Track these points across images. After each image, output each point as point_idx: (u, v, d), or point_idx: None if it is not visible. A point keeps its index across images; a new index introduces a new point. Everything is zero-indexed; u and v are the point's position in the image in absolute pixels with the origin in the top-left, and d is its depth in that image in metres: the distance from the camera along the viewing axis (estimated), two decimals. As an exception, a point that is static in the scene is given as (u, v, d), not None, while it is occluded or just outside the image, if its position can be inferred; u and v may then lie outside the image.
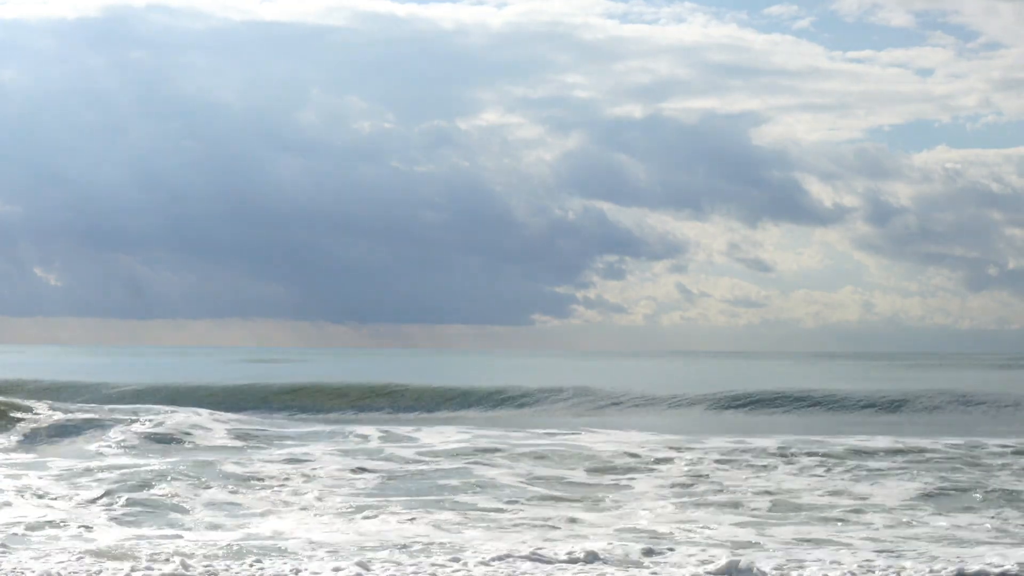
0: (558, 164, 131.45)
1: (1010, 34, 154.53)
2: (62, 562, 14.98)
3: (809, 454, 26.07)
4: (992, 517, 18.96)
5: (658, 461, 25.39)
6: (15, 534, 17.06)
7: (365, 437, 30.34)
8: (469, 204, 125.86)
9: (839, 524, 18.41)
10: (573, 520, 18.69)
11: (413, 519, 18.61)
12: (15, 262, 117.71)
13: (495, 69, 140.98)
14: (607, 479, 23.27)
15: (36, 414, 33.51)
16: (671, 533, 17.44)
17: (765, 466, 24.66)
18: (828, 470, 24.16)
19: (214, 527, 18.02)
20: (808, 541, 16.86)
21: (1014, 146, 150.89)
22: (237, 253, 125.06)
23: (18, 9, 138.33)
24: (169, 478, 22.25)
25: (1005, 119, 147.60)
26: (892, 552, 15.93)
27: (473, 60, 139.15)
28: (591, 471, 24.27)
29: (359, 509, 19.58)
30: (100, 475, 23.06)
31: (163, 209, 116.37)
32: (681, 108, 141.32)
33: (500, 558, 15.14)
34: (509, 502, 20.36)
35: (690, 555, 15.49)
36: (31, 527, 17.59)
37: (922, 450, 26.81)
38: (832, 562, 15.08)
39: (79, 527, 17.74)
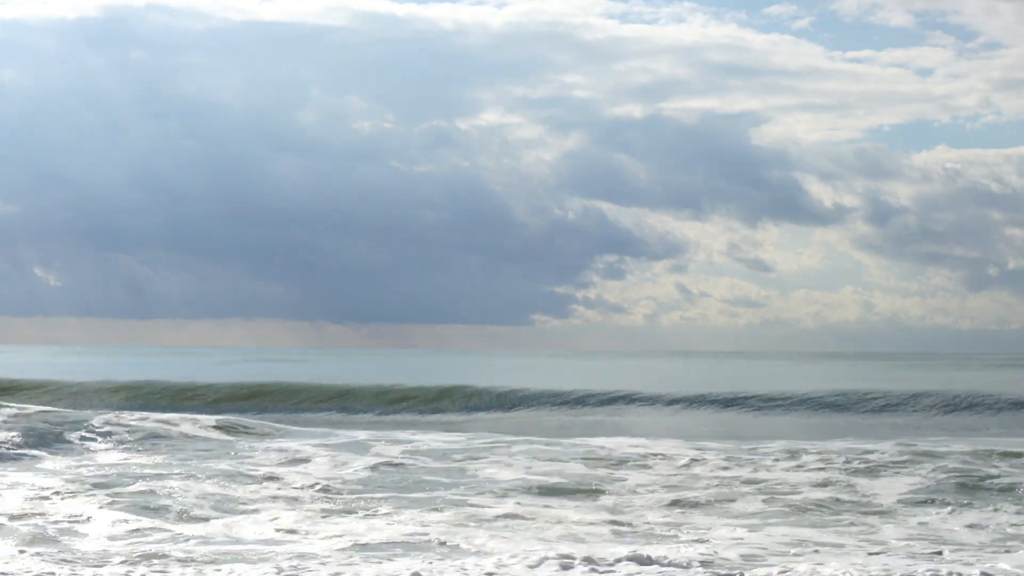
0: (558, 164, 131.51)
1: (1010, 34, 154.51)
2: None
3: (813, 453, 25.76)
4: (993, 519, 18.61)
5: (656, 460, 25.07)
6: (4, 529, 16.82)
7: (356, 437, 30.07)
8: (469, 204, 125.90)
9: (849, 527, 18.08)
10: (574, 521, 18.37)
11: (400, 521, 18.28)
12: (15, 262, 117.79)
13: (495, 69, 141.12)
14: (604, 474, 22.93)
15: (23, 412, 33.21)
16: (673, 535, 17.11)
17: (765, 466, 24.33)
18: (832, 469, 23.80)
19: (206, 525, 17.69)
20: (822, 543, 16.52)
21: (1014, 146, 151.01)
22: (237, 253, 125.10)
23: (18, 9, 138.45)
24: (154, 475, 22.02)
25: (1005, 119, 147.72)
26: (899, 553, 15.67)
27: (473, 60, 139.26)
28: (588, 469, 23.92)
29: (358, 509, 19.25)
30: (85, 472, 22.84)
31: (163, 209, 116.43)
32: (681, 108, 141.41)
33: (541, 562, 14.74)
34: (507, 501, 20.02)
35: (693, 556, 15.19)
36: (17, 518, 17.33)
37: (925, 452, 26.47)
38: (853, 564, 14.78)
39: (65, 523, 17.45)
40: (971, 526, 18.01)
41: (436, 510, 19.00)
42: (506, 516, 18.57)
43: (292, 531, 17.18)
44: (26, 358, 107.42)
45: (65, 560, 14.76)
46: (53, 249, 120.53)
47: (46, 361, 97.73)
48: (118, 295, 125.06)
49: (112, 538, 16.49)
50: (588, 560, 14.77)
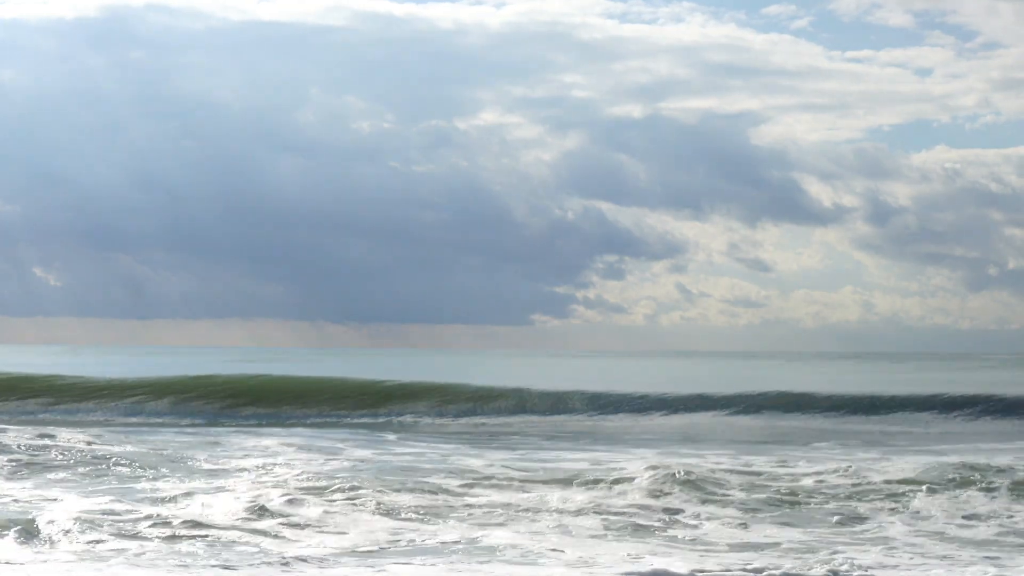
0: (557, 164, 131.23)
1: (1010, 34, 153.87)
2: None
3: (811, 461, 25.39)
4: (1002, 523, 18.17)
5: (654, 467, 24.66)
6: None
7: (335, 438, 29.81)
8: (469, 204, 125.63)
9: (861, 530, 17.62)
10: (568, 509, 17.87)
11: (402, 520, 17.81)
12: (15, 262, 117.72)
13: (494, 69, 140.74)
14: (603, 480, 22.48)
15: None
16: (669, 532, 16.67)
17: (762, 471, 23.90)
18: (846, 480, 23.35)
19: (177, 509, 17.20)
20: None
21: (1013, 146, 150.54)
22: (237, 253, 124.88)
23: (17, 9, 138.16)
24: (138, 473, 21.62)
25: (1004, 119, 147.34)
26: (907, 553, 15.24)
27: (472, 60, 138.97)
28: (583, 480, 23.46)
29: (340, 505, 18.74)
30: (57, 459, 22.53)
31: (163, 209, 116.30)
32: (680, 108, 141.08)
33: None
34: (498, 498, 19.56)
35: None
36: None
37: (923, 452, 26.11)
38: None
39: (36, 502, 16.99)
40: (974, 519, 17.59)
41: (415, 505, 18.56)
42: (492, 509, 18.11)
43: (278, 528, 16.70)
44: (27, 358, 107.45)
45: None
46: (53, 249, 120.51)
47: (48, 361, 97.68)
48: (118, 295, 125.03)
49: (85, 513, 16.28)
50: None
